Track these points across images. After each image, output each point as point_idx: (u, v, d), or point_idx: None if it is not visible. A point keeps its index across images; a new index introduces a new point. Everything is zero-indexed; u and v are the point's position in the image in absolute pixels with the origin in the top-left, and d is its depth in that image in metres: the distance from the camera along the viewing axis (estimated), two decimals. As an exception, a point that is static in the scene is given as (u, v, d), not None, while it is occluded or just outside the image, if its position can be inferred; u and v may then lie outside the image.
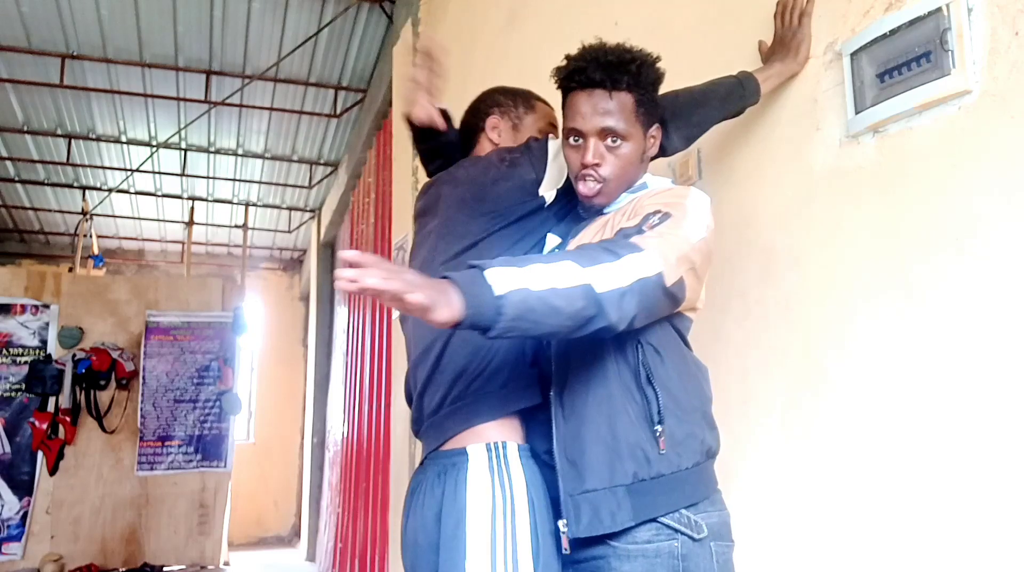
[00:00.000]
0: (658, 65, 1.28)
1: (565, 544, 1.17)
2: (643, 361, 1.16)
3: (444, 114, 1.55)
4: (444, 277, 0.95)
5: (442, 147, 1.59)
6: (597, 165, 1.24)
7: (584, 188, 1.26)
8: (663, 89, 1.35)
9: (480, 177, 1.39)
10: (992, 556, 1.00)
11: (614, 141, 1.24)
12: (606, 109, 1.23)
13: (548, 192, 1.36)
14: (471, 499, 1.19)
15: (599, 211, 1.30)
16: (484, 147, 1.54)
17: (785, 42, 1.43)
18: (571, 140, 1.27)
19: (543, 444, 1.24)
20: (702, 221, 1.18)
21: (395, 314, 3.87)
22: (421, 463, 1.35)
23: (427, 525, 1.24)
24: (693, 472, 1.15)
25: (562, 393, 1.21)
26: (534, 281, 0.97)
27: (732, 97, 1.44)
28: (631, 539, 1.12)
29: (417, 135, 1.59)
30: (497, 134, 1.53)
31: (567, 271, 1.00)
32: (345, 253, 0.89)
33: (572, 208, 1.37)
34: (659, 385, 1.15)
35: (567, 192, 1.35)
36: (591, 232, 1.27)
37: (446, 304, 0.92)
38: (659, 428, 1.13)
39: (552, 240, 1.38)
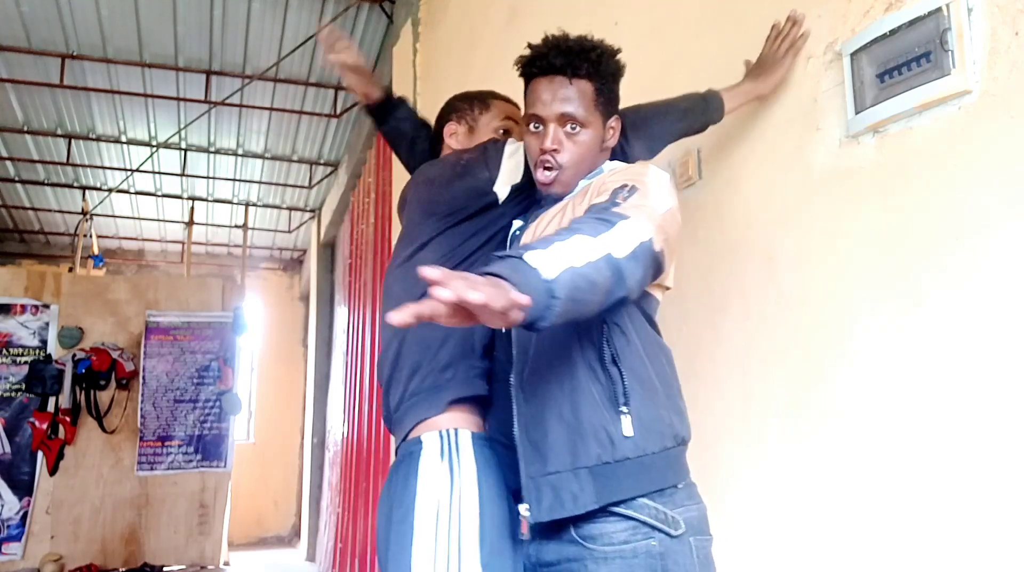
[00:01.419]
0: (619, 58, 1.30)
1: (524, 529, 1.15)
2: (608, 340, 1.14)
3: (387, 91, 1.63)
4: (486, 273, 0.85)
5: (400, 125, 1.68)
6: (555, 151, 1.25)
7: (542, 175, 1.27)
8: (635, 99, 1.36)
9: (436, 179, 1.45)
10: (993, 556, 1.00)
11: (573, 128, 1.25)
12: (566, 95, 1.24)
13: (502, 189, 1.39)
14: (420, 485, 1.21)
15: (556, 199, 1.30)
16: (445, 153, 1.59)
17: (765, 65, 1.46)
18: (531, 127, 1.28)
19: (503, 429, 1.23)
20: (665, 195, 1.17)
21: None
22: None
23: (385, 513, 1.27)
24: (660, 457, 1.12)
25: (523, 375, 1.19)
26: (570, 258, 0.93)
27: (694, 111, 1.48)
28: (607, 540, 1.09)
29: (375, 116, 1.67)
30: (455, 139, 1.58)
31: (587, 244, 0.96)
32: (426, 271, 0.78)
33: (528, 205, 1.39)
34: (624, 366, 1.13)
35: (523, 189, 1.38)
36: (550, 216, 1.28)
37: (514, 300, 0.82)
38: (624, 409, 1.11)
39: (515, 223, 1.39)
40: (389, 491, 1.28)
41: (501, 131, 1.58)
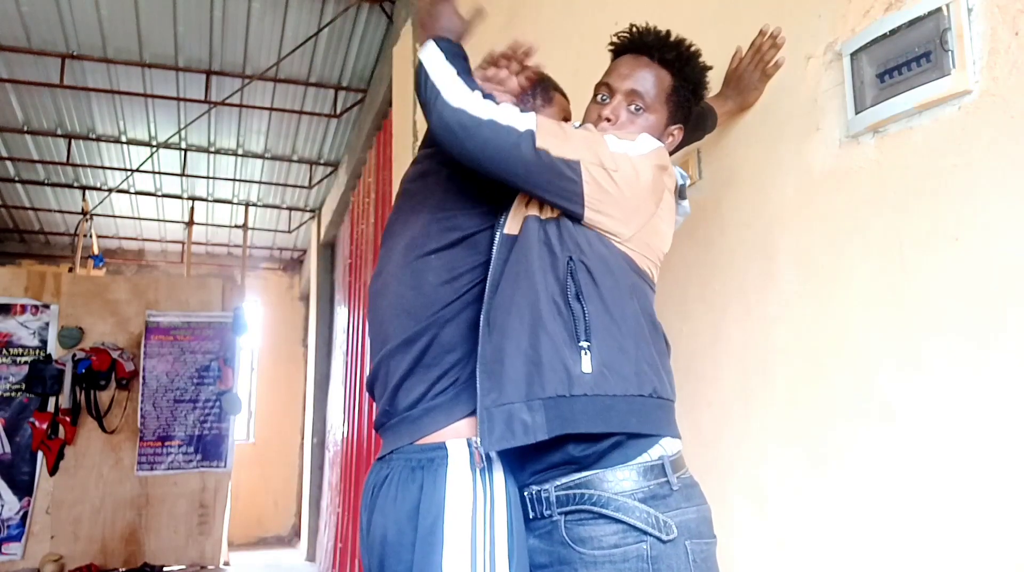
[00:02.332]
0: (708, 74, 1.31)
1: (478, 460, 1.15)
2: (572, 275, 1.13)
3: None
4: (442, 35, 1.24)
5: None
6: (610, 121, 1.26)
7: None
8: None
9: None
10: (991, 554, 1.00)
11: (637, 108, 1.26)
12: (643, 75, 1.27)
13: None
14: (451, 495, 1.15)
15: None
16: None
17: (743, 80, 1.51)
18: (599, 97, 1.30)
19: None
20: (635, 147, 1.19)
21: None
22: (381, 458, 1.30)
23: (400, 521, 1.19)
24: (623, 401, 1.09)
25: (489, 309, 1.18)
26: (428, 59, 1.20)
27: (701, 126, 1.53)
28: (596, 544, 1.07)
29: None
30: None
31: (454, 79, 1.17)
32: None
33: None
34: (588, 303, 1.11)
35: None
36: None
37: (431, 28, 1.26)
38: (585, 345, 1.09)
39: None
40: (408, 494, 1.19)
41: None
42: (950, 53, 1.08)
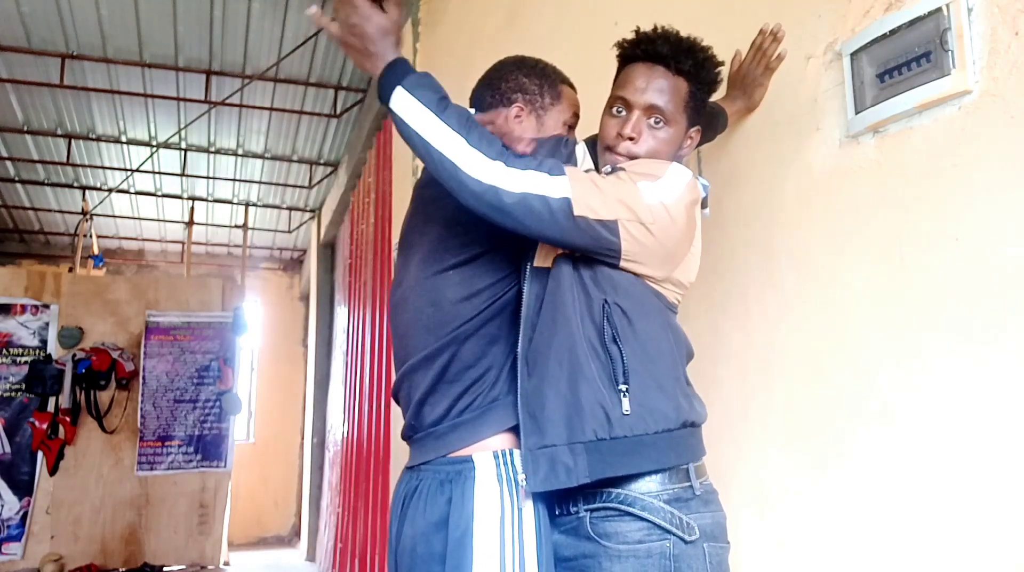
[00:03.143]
0: (721, 71, 1.29)
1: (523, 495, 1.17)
2: (608, 318, 1.14)
3: None
4: (394, 59, 1.17)
5: None
6: (633, 139, 1.22)
7: (611, 159, 1.25)
8: None
9: None
10: (992, 558, 1.00)
11: (657, 122, 1.23)
12: (661, 87, 1.22)
13: None
14: (479, 508, 1.17)
15: None
16: (500, 133, 1.42)
17: (746, 80, 1.50)
18: (614, 110, 1.25)
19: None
20: (666, 191, 1.16)
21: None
22: (411, 468, 1.31)
23: (428, 534, 1.21)
24: (661, 437, 1.12)
25: (527, 350, 1.20)
26: (420, 124, 1.13)
27: (712, 127, 1.50)
28: (622, 539, 1.10)
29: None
30: (519, 125, 1.41)
31: (448, 136, 1.12)
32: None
33: None
34: (624, 345, 1.13)
35: None
36: None
37: (370, 66, 1.18)
38: (623, 388, 1.11)
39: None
40: (436, 507, 1.21)
41: (566, 128, 1.43)
42: (950, 53, 1.08)
